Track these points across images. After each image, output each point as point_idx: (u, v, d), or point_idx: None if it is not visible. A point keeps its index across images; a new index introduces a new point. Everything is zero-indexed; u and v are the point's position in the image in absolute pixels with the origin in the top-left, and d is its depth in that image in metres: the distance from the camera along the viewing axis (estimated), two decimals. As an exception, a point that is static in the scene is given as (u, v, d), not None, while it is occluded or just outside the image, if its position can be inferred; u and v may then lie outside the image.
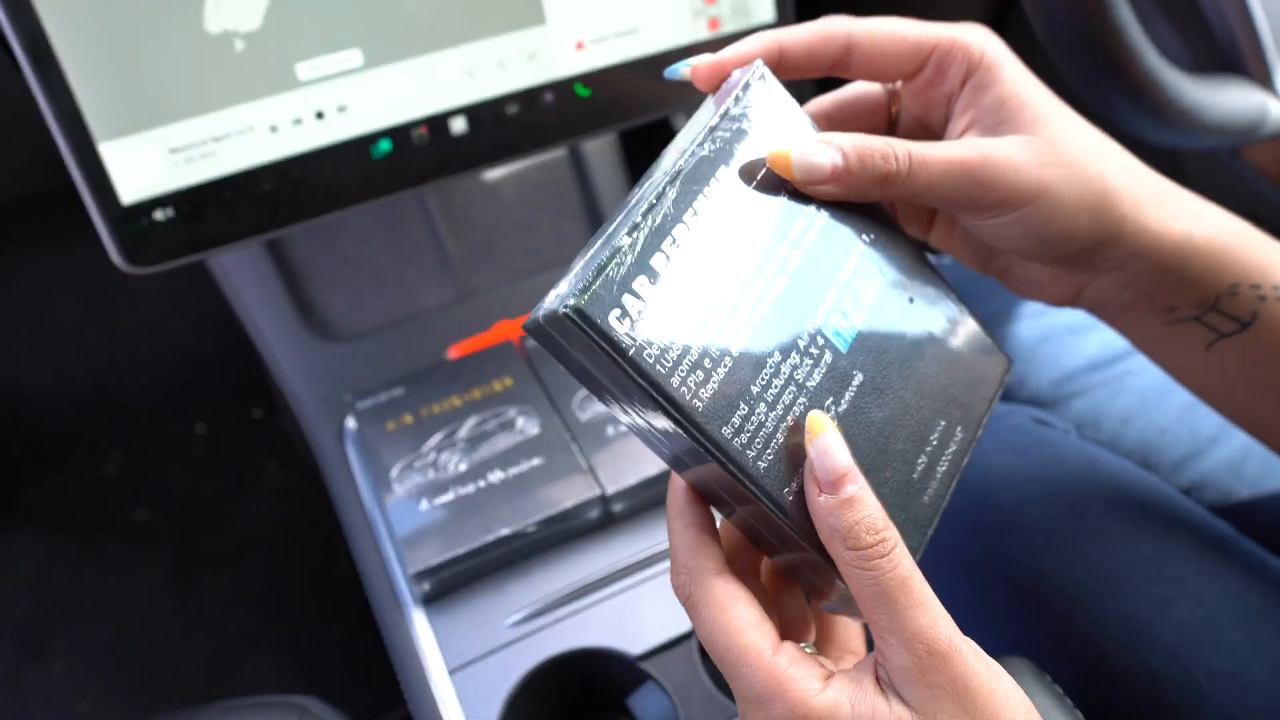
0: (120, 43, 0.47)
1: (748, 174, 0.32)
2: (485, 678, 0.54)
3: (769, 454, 0.31)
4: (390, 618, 0.58)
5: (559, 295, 0.28)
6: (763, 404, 0.31)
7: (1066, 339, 0.59)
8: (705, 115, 0.33)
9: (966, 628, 0.52)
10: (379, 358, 0.70)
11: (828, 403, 0.32)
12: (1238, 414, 0.43)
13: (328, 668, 1.03)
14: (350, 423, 0.67)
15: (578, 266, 0.29)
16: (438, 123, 0.55)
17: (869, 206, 0.35)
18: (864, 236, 0.35)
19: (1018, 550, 0.49)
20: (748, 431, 0.30)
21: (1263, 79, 0.57)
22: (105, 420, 1.23)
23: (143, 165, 0.49)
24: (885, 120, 0.40)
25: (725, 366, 0.30)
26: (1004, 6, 1.11)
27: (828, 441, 0.30)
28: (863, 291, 0.34)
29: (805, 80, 0.39)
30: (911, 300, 0.35)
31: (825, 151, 0.33)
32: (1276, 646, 0.45)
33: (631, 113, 0.60)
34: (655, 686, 0.54)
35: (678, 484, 0.33)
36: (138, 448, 1.22)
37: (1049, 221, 0.35)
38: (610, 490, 0.58)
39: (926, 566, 0.53)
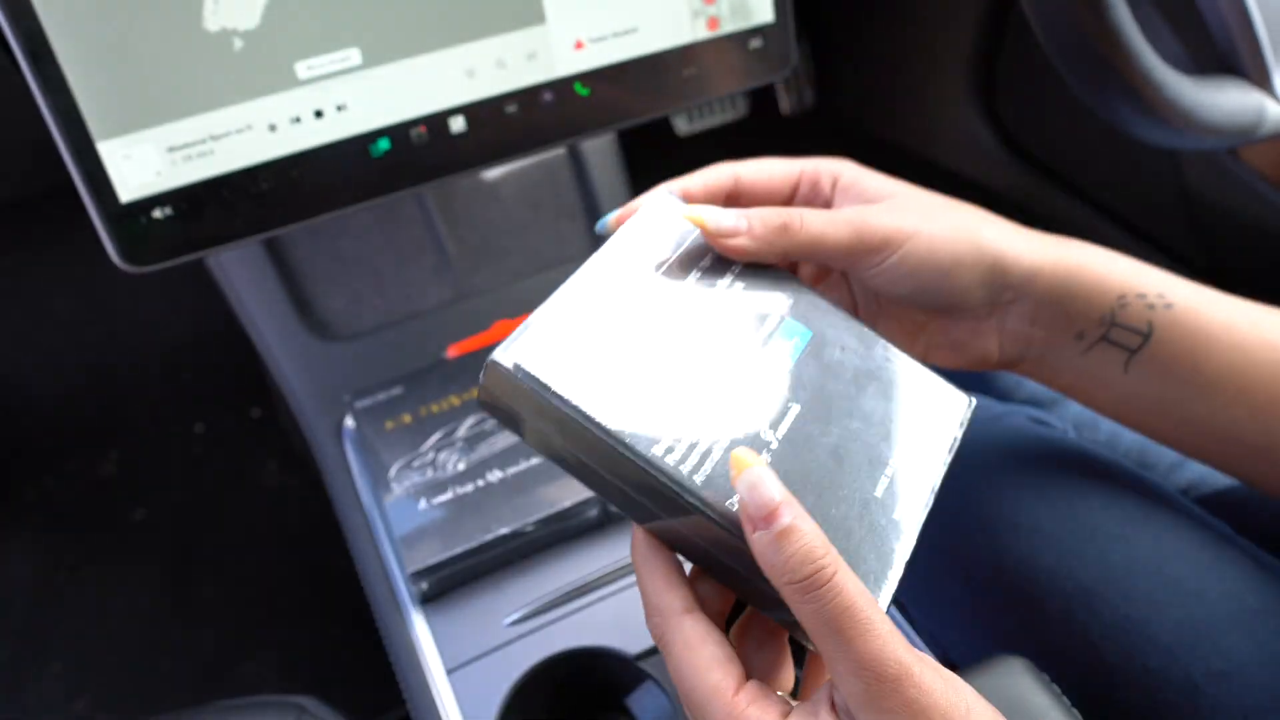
0: (119, 41, 0.47)
1: (660, 256, 0.38)
2: (484, 677, 0.54)
3: (705, 469, 0.32)
4: (389, 617, 0.58)
5: (496, 352, 0.32)
6: (695, 428, 0.33)
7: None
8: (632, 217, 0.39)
9: (963, 627, 0.52)
10: (378, 357, 0.70)
11: (764, 429, 0.35)
12: (1169, 436, 0.45)
13: (326, 668, 1.03)
14: (349, 422, 0.67)
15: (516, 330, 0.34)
16: (437, 122, 0.55)
17: (787, 279, 0.40)
18: (785, 301, 0.39)
19: (1015, 550, 0.49)
20: (680, 451, 0.32)
21: (1260, 80, 0.57)
22: (104, 420, 1.23)
23: (141, 164, 0.49)
24: None
25: (656, 402, 0.33)
26: (1002, 8, 1.11)
27: (755, 475, 0.30)
28: (789, 341, 0.38)
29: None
30: (843, 349, 0.39)
31: (734, 215, 0.39)
32: (1274, 646, 0.45)
33: (631, 112, 0.60)
34: (654, 685, 0.54)
35: (638, 534, 0.34)
36: (136, 447, 1.22)
37: (934, 252, 0.41)
38: (609, 490, 0.58)
39: (925, 565, 0.53)
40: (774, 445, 0.34)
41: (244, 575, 1.11)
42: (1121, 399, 0.45)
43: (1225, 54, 0.58)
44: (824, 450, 0.35)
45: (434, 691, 0.54)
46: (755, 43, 0.62)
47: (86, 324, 1.22)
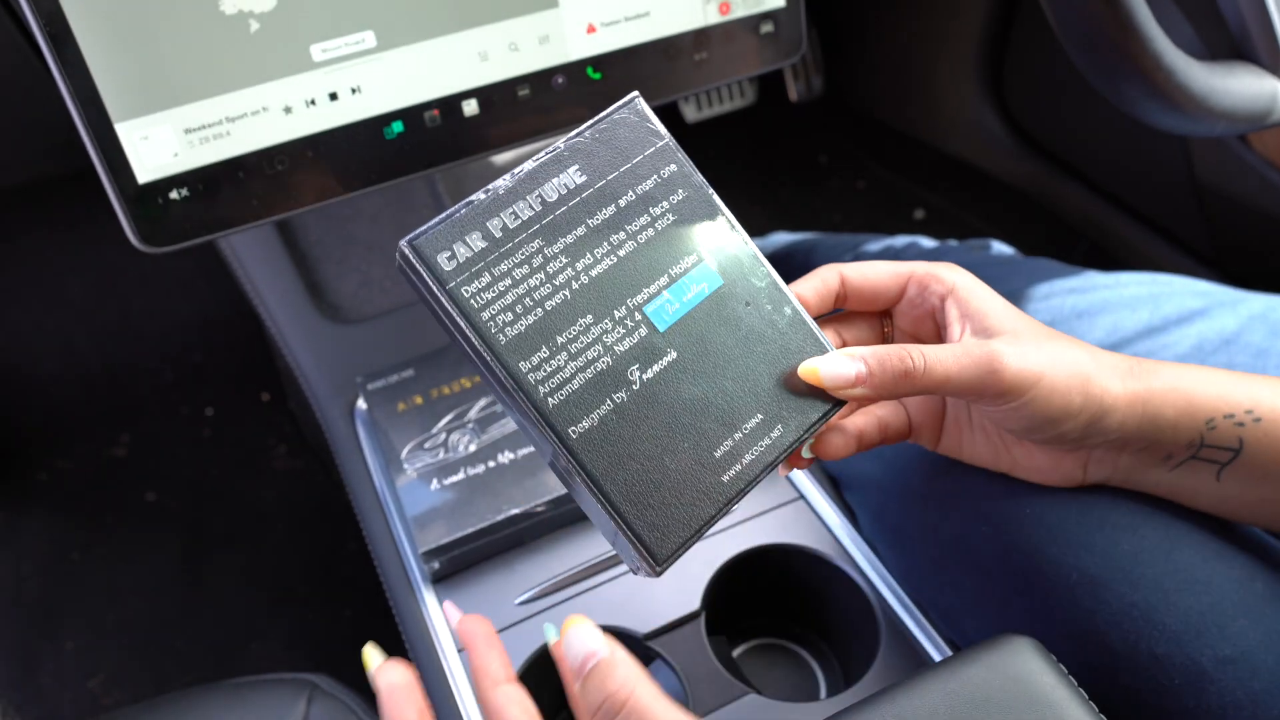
0: (137, 23, 0.47)
1: (597, 174, 0.38)
2: (494, 656, 0.55)
3: (561, 394, 0.35)
4: (401, 596, 0.59)
5: (406, 237, 0.35)
6: (565, 353, 0.36)
7: (1073, 323, 0.59)
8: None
9: (969, 616, 0.52)
10: (389, 340, 0.71)
11: (633, 369, 0.37)
12: (1271, 525, 0.47)
13: (336, 648, 1.04)
14: (361, 404, 0.68)
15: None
16: (450, 105, 0.55)
17: (720, 222, 0.40)
18: (709, 244, 0.40)
19: (1022, 539, 0.49)
20: (545, 370, 0.35)
21: (1274, 66, 0.57)
22: (115, 402, 1.24)
23: (158, 145, 0.49)
24: (880, 338, 0.47)
25: (535, 315, 0.36)
26: (1014, -6, 1.10)
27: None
28: (695, 286, 0.39)
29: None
30: (748, 304, 0.40)
31: (851, 364, 0.39)
32: (1281, 632, 0.45)
33: (642, 97, 0.60)
34: (663, 665, 0.54)
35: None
36: (147, 430, 1.23)
37: (1050, 404, 0.41)
38: (619, 472, 0.59)
39: (932, 553, 0.53)
40: (635, 386, 0.37)
41: (254, 557, 1.12)
42: (1216, 501, 0.46)
43: (1238, 39, 0.58)
44: (683, 402, 0.37)
45: (445, 670, 0.54)
46: (766, 27, 0.62)
47: (99, 308, 1.23)
